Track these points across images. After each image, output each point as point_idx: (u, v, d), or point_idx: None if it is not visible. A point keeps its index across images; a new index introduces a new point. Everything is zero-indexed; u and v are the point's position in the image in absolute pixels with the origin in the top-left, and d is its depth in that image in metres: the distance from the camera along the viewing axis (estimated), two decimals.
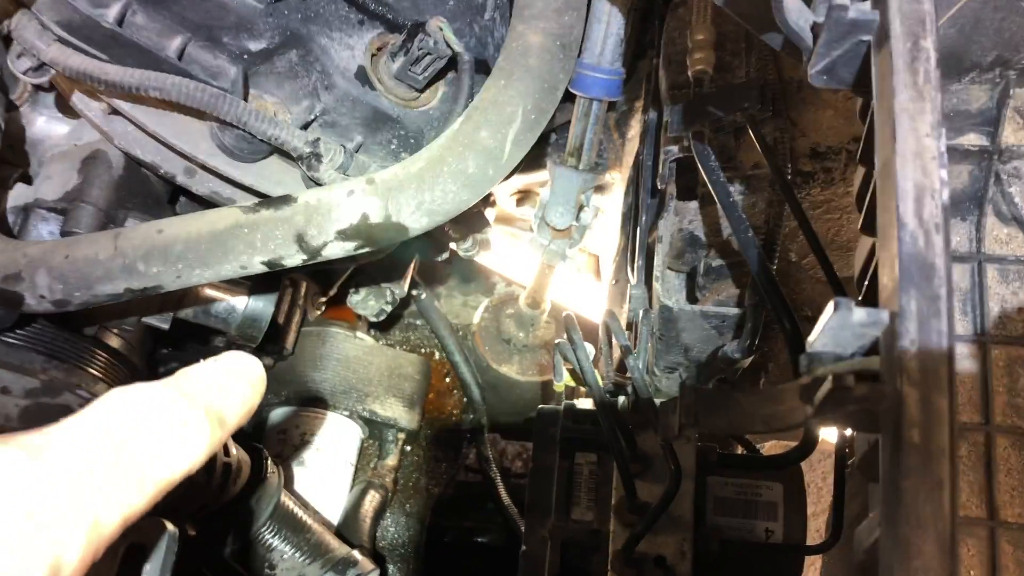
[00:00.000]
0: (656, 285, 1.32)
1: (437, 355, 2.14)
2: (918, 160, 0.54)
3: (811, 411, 0.55)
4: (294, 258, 0.92)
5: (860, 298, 0.75)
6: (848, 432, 1.17)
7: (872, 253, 0.69)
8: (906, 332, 0.50)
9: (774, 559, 1.16)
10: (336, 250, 0.92)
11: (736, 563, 1.16)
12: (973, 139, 0.82)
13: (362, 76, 1.05)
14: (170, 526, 0.64)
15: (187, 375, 0.55)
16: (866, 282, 0.64)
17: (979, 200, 0.81)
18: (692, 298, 1.36)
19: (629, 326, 1.41)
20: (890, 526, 0.48)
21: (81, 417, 0.51)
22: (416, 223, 0.90)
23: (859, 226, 0.69)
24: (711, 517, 1.18)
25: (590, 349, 1.20)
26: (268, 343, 1.75)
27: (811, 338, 0.56)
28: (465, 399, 2.11)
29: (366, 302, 1.54)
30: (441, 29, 1.00)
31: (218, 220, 0.91)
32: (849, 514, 1.16)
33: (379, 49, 1.08)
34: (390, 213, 0.89)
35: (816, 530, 1.34)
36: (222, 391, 0.55)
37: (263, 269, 0.93)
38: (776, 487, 1.20)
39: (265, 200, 0.93)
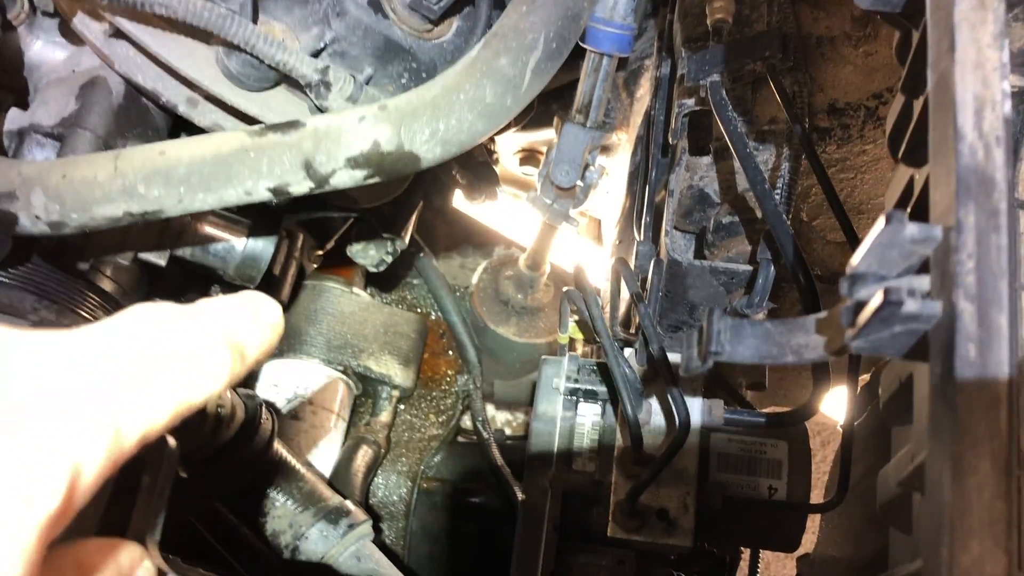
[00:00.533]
0: (665, 241, 1.29)
1: (434, 315, 2.11)
2: (979, 71, 0.51)
3: (853, 333, 0.52)
4: (301, 185, 0.89)
5: None
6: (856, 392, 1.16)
7: (910, 184, 0.66)
8: (963, 246, 0.47)
9: (777, 516, 1.14)
10: (345, 178, 0.89)
11: (738, 519, 1.15)
12: (1013, 80, 0.79)
13: (375, 4, 1.01)
14: (171, 440, 0.61)
15: (208, 304, 0.53)
16: (907, 210, 0.61)
17: (1016, 144, 0.78)
18: (700, 256, 1.33)
19: None
20: (940, 444, 0.45)
21: (110, 324, 0.48)
22: (430, 152, 0.87)
23: (898, 156, 0.66)
24: (715, 473, 1.16)
25: (598, 300, 1.17)
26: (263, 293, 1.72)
27: (854, 259, 0.54)
28: (461, 360, 2.08)
29: (366, 251, 1.51)
30: None
31: (223, 143, 0.88)
32: (853, 476, 1.15)
33: None
34: (403, 141, 0.86)
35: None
36: (242, 325, 0.53)
37: (268, 196, 0.90)
38: (781, 445, 1.18)
39: (273, 124, 0.89)
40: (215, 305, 0.53)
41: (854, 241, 1.16)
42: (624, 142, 1.89)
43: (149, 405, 0.47)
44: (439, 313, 2.10)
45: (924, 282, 0.50)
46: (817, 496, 1.24)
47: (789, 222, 1.24)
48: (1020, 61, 0.79)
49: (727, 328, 0.62)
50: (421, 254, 2.06)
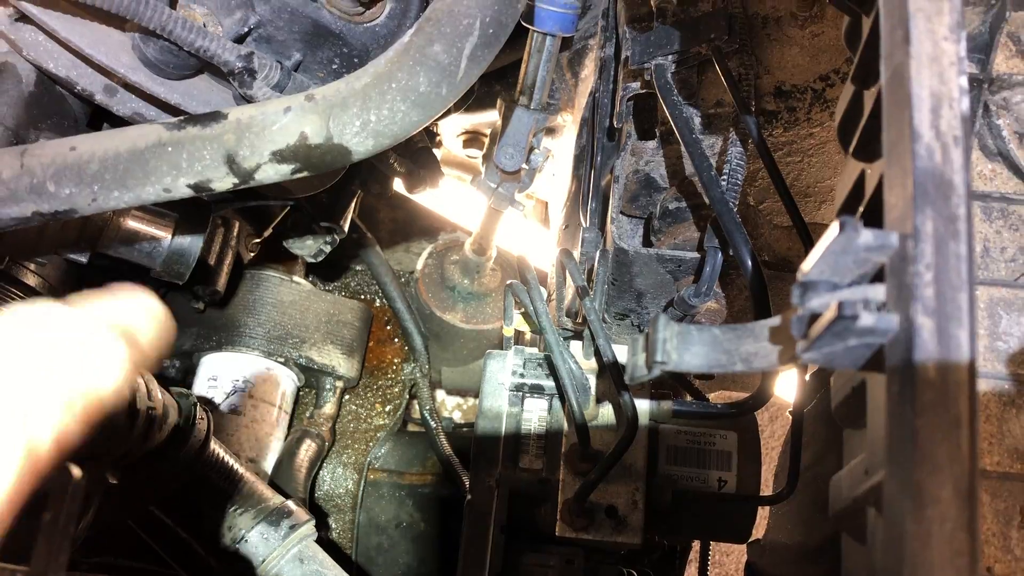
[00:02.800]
0: (611, 227, 1.26)
1: (378, 302, 2.06)
2: (935, 65, 0.48)
3: (805, 345, 0.49)
4: (224, 181, 0.83)
5: None
6: (807, 378, 1.14)
7: (861, 179, 0.64)
8: (921, 255, 0.44)
9: (727, 509, 1.13)
10: (270, 173, 0.84)
11: (688, 513, 1.13)
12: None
13: None
14: (75, 471, 0.56)
15: (87, 298, 0.50)
16: (860, 208, 0.58)
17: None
18: (647, 242, 1.31)
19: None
20: (899, 470, 0.43)
21: None
22: (361, 145, 0.82)
23: (849, 149, 0.63)
24: (664, 466, 1.14)
25: (543, 292, 1.13)
26: (199, 284, 1.66)
27: (806, 265, 0.51)
28: (407, 347, 2.04)
29: (303, 242, 1.45)
30: None
31: (139, 137, 0.82)
32: (802, 462, 1.14)
33: None
34: (332, 133, 0.81)
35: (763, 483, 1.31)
36: (127, 314, 0.50)
37: (189, 193, 0.84)
38: (730, 436, 1.17)
39: (192, 116, 0.84)
40: (93, 298, 0.52)
41: (802, 226, 1.14)
42: (569, 123, 1.86)
43: (54, 408, 0.43)
44: (384, 300, 2.05)
45: (879, 292, 0.48)
46: (767, 477, 1.23)
47: (736, 209, 1.22)
48: (969, 47, 0.77)
49: (673, 336, 0.59)
50: (363, 240, 2.01)
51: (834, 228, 0.47)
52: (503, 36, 0.84)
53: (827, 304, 0.49)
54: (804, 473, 1.13)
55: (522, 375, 1.13)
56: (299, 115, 0.81)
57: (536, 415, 1.12)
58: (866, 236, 0.46)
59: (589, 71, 1.76)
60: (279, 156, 0.82)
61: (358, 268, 2.06)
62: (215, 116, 0.83)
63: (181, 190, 0.83)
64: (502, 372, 1.14)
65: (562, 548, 1.06)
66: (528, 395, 1.14)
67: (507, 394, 1.13)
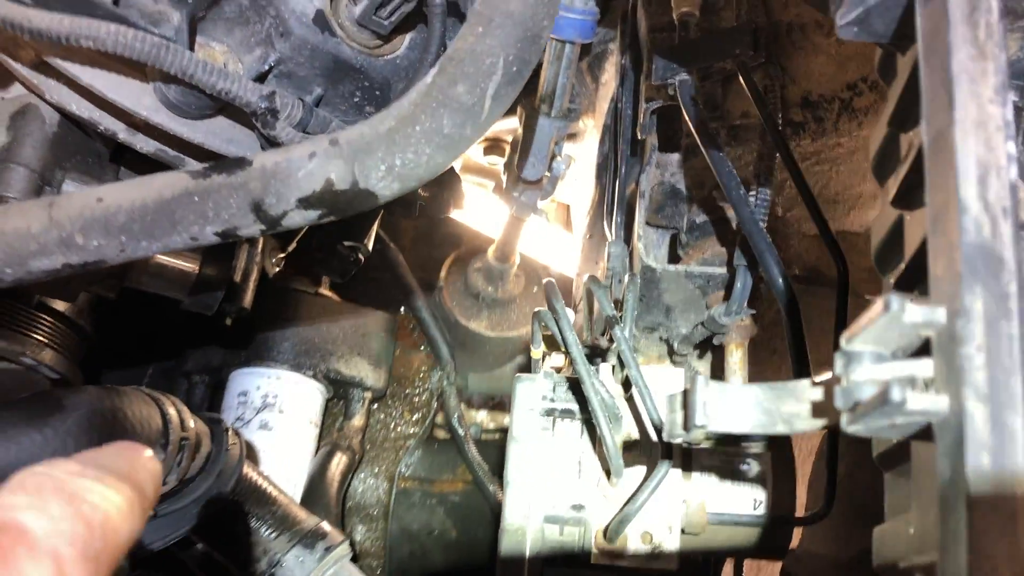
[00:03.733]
0: (637, 243, 1.25)
1: (403, 311, 2.05)
2: (981, 131, 0.46)
3: (850, 419, 0.48)
4: (251, 228, 0.83)
5: (885, 277, 0.68)
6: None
7: (899, 226, 0.62)
8: (971, 337, 0.43)
9: (762, 530, 1.12)
10: (297, 219, 0.83)
11: (724, 536, 1.12)
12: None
13: (321, 21, 0.94)
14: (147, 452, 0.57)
15: (93, 452, 0.51)
16: (902, 265, 0.57)
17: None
18: (674, 256, 1.29)
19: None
20: (954, 559, 0.42)
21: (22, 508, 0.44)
22: (386, 189, 0.81)
23: (890, 200, 0.61)
24: (697, 488, 1.13)
25: (570, 314, 1.12)
26: (225, 302, 1.66)
27: (849, 334, 0.49)
28: (433, 355, 2.04)
29: (329, 263, 1.45)
30: None
31: (164, 187, 0.82)
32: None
33: None
34: (357, 178, 0.80)
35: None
36: (131, 463, 0.51)
37: (216, 240, 0.84)
38: (764, 455, 1.15)
39: (216, 164, 0.83)
40: (92, 452, 0.51)
41: (829, 238, 1.12)
42: (591, 128, 1.84)
43: (82, 557, 0.43)
44: (408, 309, 2.05)
45: (927, 368, 0.46)
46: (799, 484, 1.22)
47: (765, 225, 1.20)
48: (1013, 72, 0.75)
49: (713, 397, 0.58)
50: (386, 249, 2.01)
51: (880, 304, 0.46)
52: (526, 73, 0.83)
53: (871, 376, 0.48)
54: (838, 485, 1.12)
55: (552, 399, 1.12)
56: (324, 161, 0.80)
57: (568, 439, 1.12)
58: (913, 313, 0.45)
59: (610, 76, 1.74)
60: (306, 203, 0.81)
61: (382, 278, 2.06)
62: (240, 163, 0.82)
63: (208, 238, 0.83)
64: (532, 397, 1.13)
65: (598, 573, 1.06)
66: (559, 419, 1.13)
67: (538, 419, 1.12)
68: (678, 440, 0.60)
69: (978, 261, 0.44)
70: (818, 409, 0.54)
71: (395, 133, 0.80)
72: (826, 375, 0.54)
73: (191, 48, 0.93)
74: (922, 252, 0.54)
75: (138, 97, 0.95)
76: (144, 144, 1.02)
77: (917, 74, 0.56)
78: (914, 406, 0.44)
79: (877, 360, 0.49)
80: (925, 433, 0.48)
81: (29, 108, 1.04)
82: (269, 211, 0.82)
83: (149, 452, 0.53)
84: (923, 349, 0.49)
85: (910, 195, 0.60)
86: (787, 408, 0.56)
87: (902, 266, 0.57)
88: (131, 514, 0.47)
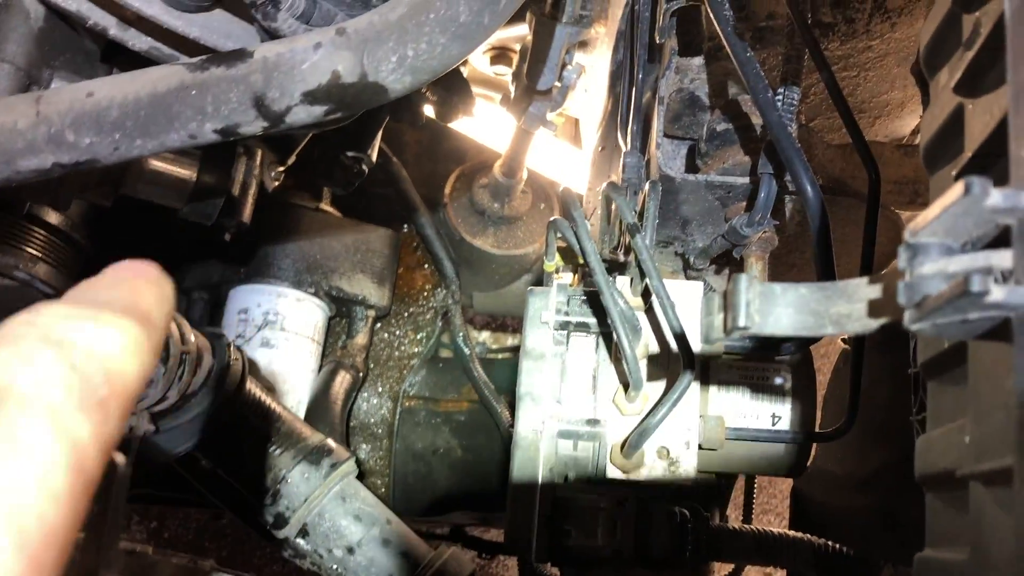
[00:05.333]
0: (655, 152, 1.20)
1: (406, 228, 2.00)
2: None
3: (916, 315, 0.44)
4: (253, 125, 0.78)
5: (934, 173, 0.64)
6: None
7: (959, 114, 0.57)
8: None
9: (781, 445, 1.10)
10: (302, 115, 0.78)
11: (742, 451, 1.10)
12: None
13: None
14: (119, 458, 0.52)
15: (88, 284, 0.44)
16: (965, 154, 0.52)
17: None
18: (693, 167, 1.24)
19: None
20: None
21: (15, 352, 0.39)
22: (398, 82, 0.76)
23: (947, 84, 0.56)
24: (715, 403, 1.10)
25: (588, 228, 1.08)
26: (224, 216, 1.61)
27: (916, 224, 0.45)
28: (437, 273, 2.00)
29: (331, 173, 1.39)
30: None
31: (160, 81, 0.76)
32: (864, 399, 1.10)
33: None
34: (366, 70, 0.75)
35: None
36: (133, 292, 0.44)
37: (216, 138, 0.79)
38: (784, 370, 1.12)
39: (215, 55, 0.78)
40: (93, 283, 0.45)
41: (861, 144, 1.07)
42: (603, 36, 1.76)
43: (81, 404, 0.38)
44: (412, 225, 2.00)
45: (1006, 259, 0.42)
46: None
47: (794, 132, 1.15)
48: None
49: (756, 297, 0.54)
50: (389, 164, 1.95)
51: (958, 188, 0.42)
52: None
53: (941, 270, 0.44)
54: (866, 410, 1.09)
55: (567, 313, 1.08)
56: (330, 52, 0.75)
57: (582, 354, 1.08)
58: (995, 197, 0.41)
59: None
60: (311, 97, 0.76)
61: (385, 193, 2.00)
62: (240, 55, 0.76)
63: (207, 136, 0.78)
64: (545, 310, 1.09)
65: (614, 489, 1.04)
66: (573, 333, 1.10)
67: (552, 333, 1.09)
68: (715, 344, 0.56)
69: None
70: (874, 307, 0.50)
71: (407, 21, 0.74)
72: (884, 273, 0.49)
73: None
74: (993, 139, 0.49)
75: None
76: (137, 40, 0.95)
77: None
78: (996, 297, 0.40)
79: (946, 252, 0.45)
80: (995, 332, 0.44)
81: (10, 2, 0.97)
82: (272, 106, 0.76)
83: (154, 269, 0.47)
84: (998, 240, 0.44)
85: (976, 80, 0.54)
86: (837, 308, 0.52)
87: (967, 156, 0.52)
88: (137, 351, 0.42)
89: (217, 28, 0.93)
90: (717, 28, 1.03)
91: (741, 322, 0.53)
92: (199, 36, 0.91)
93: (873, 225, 0.97)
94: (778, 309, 0.54)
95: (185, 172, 1.11)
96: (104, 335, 0.41)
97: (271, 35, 0.88)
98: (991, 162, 0.51)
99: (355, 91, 0.76)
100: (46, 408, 0.36)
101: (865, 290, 0.51)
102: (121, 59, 1.06)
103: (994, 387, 0.49)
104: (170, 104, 0.75)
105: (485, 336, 2.24)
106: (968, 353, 0.54)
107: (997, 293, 0.40)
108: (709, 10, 1.07)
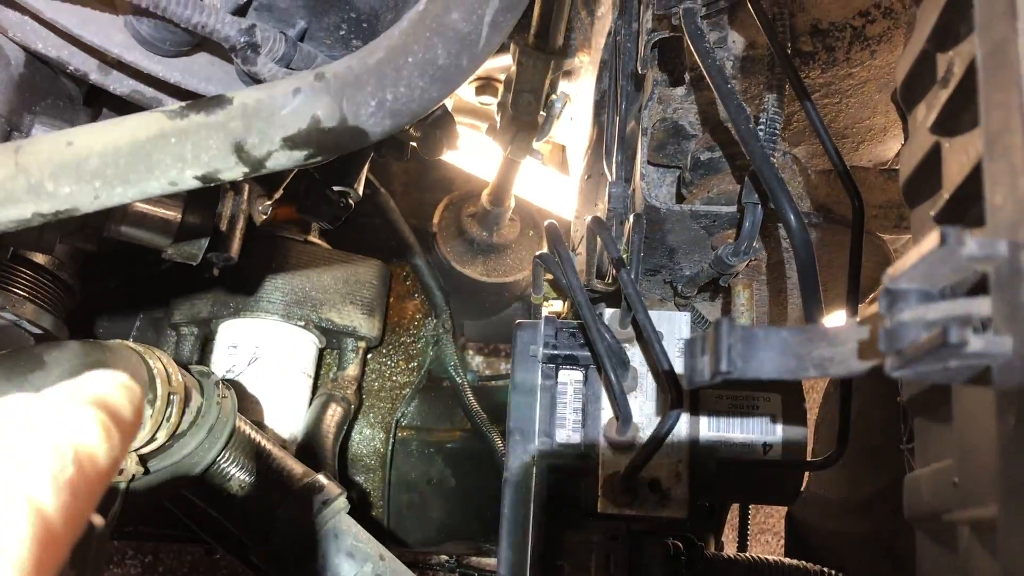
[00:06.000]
0: (639, 183, 1.20)
1: (396, 258, 2.00)
2: None
3: (897, 362, 0.44)
4: (233, 171, 0.78)
5: (915, 209, 0.64)
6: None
7: (936, 153, 0.57)
8: None
9: (773, 474, 1.09)
10: (283, 160, 0.78)
11: (733, 481, 1.09)
12: None
13: None
14: (97, 519, 0.52)
15: (65, 383, 0.48)
16: (944, 195, 0.52)
17: None
18: (679, 196, 1.24)
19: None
20: (1021, 516, 0.38)
21: None
22: (378, 126, 0.76)
23: (928, 125, 0.56)
24: (706, 434, 1.09)
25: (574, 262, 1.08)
26: (211, 251, 1.61)
27: (895, 271, 0.45)
28: (427, 303, 1.99)
29: (318, 209, 1.39)
30: None
31: (139, 128, 0.76)
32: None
33: None
34: (346, 115, 0.75)
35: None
36: (103, 388, 0.48)
37: (197, 184, 0.78)
38: (774, 398, 1.12)
39: (195, 102, 0.77)
40: (64, 384, 0.48)
41: (844, 172, 1.07)
42: (587, 65, 1.77)
43: (52, 484, 0.40)
44: (401, 256, 2.00)
45: (984, 307, 0.42)
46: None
47: (776, 161, 1.15)
48: None
49: (738, 341, 0.54)
50: (377, 195, 1.95)
51: (934, 236, 0.42)
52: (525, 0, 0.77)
53: (920, 317, 0.44)
54: (857, 438, 1.09)
55: (555, 346, 1.08)
56: (310, 97, 0.75)
57: (571, 387, 1.08)
58: (971, 247, 0.41)
59: (606, 8, 1.67)
60: (291, 142, 0.76)
61: (373, 224, 2.00)
62: (219, 101, 0.76)
63: (188, 182, 0.78)
64: (533, 344, 1.09)
65: (605, 523, 1.03)
66: (562, 366, 1.09)
67: (540, 366, 1.09)
68: (700, 385, 0.56)
69: None
70: (857, 351, 0.49)
71: (386, 65, 0.75)
72: (865, 315, 0.49)
73: None
74: (971, 181, 0.49)
75: (108, 34, 0.88)
76: (118, 85, 0.95)
77: None
78: (975, 348, 0.40)
79: (925, 299, 0.44)
80: (979, 379, 0.44)
81: None
82: (252, 152, 0.76)
83: (123, 375, 0.49)
84: (977, 287, 0.44)
85: (951, 120, 0.55)
86: (820, 352, 0.52)
87: (944, 196, 0.52)
88: (107, 438, 0.44)
89: (197, 72, 0.94)
90: (697, 60, 1.03)
91: (723, 367, 0.53)
92: (179, 80, 0.91)
93: (858, 254, 0.97)
94: (761, 353, 0.54)
95: (169, 213, 1.11)
96: (75, 421, 0.43)
97: (251, 78, 0.88)
98: (969, 203, 0.51)
99: (335, 136, 0.76)
100: (18, 490, 0.38)
101: (847, 334, 0.51)
102: (103, 102, 1.06)
103: (979, 429, 0.49)
104: (150, 152, 0.75)
105: (478, 362, 2.24)
106: (952, 392, 0.54)
107: (976, 343, 0.40)
108: (689, 43, 1.08)
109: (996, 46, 0.44)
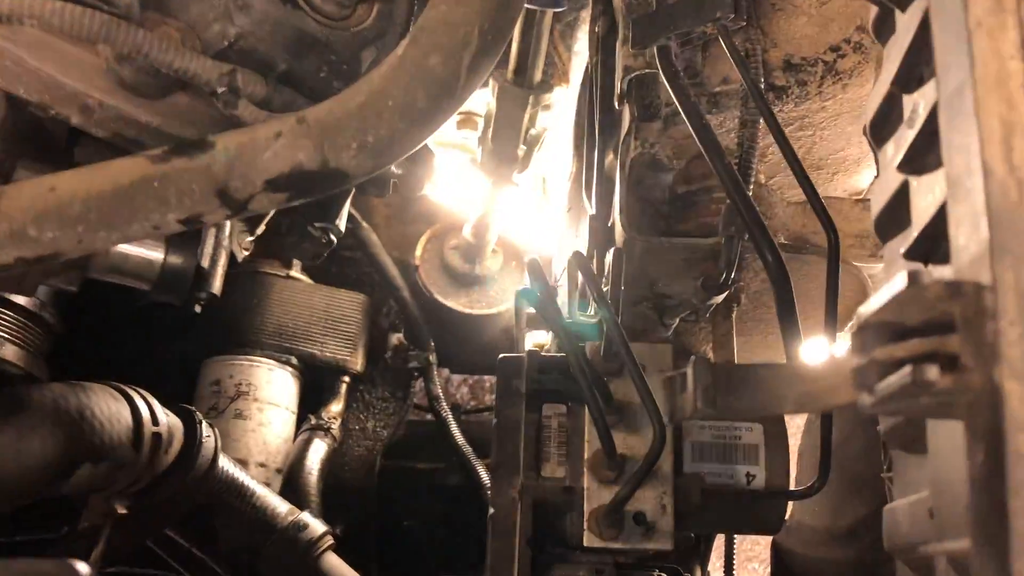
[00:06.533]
0: (618, 217, 1.21)
1: (379, 291, 2.01)
2: (1002, 88, 0.43)
3: (871, 400, 0.45)
4: (216, 214, 0.78)
5: (887, 243, 0.65)
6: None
7: (905, 191, 0.59)
8: (1004, 311, 0.40)
9: (757, 504, 1.10)
10: (265, 202, 0.79)
11: (718, 511, 1.10)
12: None
13: None
14: (82, 568, 0.52)
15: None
16: (912, 233, 0.54)
17: None
18: (657, 228, 1.26)
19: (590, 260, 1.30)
20: (993, 552, 0.39)
21: None
22: (358, 168, 0.77)
23: (895, 163, 0.58)
24: (690, 465, 1.10)
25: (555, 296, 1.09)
26: (194, 289, 1.61)
27: (865, 310, 0.46)
28: (411, 336, 1.99)
29: (299, 246, 1.40)
30: None
31: (122, 173, 0.77)
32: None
33: None
34: (327, 157, 0.76)
35: None
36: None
37: (180, 228, 0.79)
38: (756, 428, 1.13)
39: (177, 146, 0.78)
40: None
41: (818, 205, 1.09)
42: (565, 99, 1.79)
43: None
44: (384, 288, 2.00)
45: (952, 344, 0.43)
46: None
47: (751, 192, 1.17)
48: None
49: (715, 379, 0.55)
50: (359, 229, 1.95)
51: (901, 278, 0.43)
52: (502, 43, 0.79)
53: (890, 355, 0.45)
54: (843, 460, 1.10)
55: (538, 380, 1.09)
56: (292, 140, 0.76)
57: (555, 421, 1.09)
58: (937, 288, 0.42)
59: (583, 45, 1.69)
60: (273, 185, 0.77)
61: (356, 258, 2.01)
62: (201, 145, 0.77)
63: (171, 226, 0.78)
64: (517, 378, 1.09)
65: (591, 557, 1.03)
66: (546, 399, 1.10)
67: (524, 400, 1.09)
68: (680, 421, 0.57)
69: (1007, 229, 0.41)
70: (831, 389, 0.51)
71: (366, 109, 0.76)
72: (838, 352, 0.50)
73: (144, 24, 0.88)
74: (938, 220, 0.51)
75: (90, 78, 0.89)
76: (100, 128, 0.96)
77: (925, 30, 0.53)
78: (943, 385, 0.41)
79: (896, 337, 0.46)
80: (948, 412, 0.45)
81: None
82: (234, 195, 0.77)
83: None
84: (946, 324, 0.45)
85: (918, 159, 0.56)
86: (796, 389, 0.53)
87: (913, 235, 0.53)
88: None
89: (179, 115, 0.94)
90: (672, 97, 1.05)
91: (701, 405, 0.54)
92: (161, 124, 0.92)
93: (834, 286, 0.98)
94: (737, 391, 0.55)
95: (152, 254, 1.11)
96: None
97: (233, 122, 0.89)
98: (939, 240, 0.52)
99: (317, 178, 0.77)
100: None
101: (822, 372, 0.52)
102: (85, 144, 1.06)
103: (952, 463, 0.50)
104: (133, 196, 0.76)
105: (463, 393, 2.24)
106: (927, 427, 0.55)
107: (944, 381, 0.41)
108: (664, 80, 1.10)
109: (955, 92, 0.45)
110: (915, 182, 0.57)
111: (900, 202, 0.60)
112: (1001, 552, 0.38)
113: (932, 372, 0.41)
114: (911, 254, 0.55)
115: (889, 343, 0.46)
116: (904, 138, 0.57)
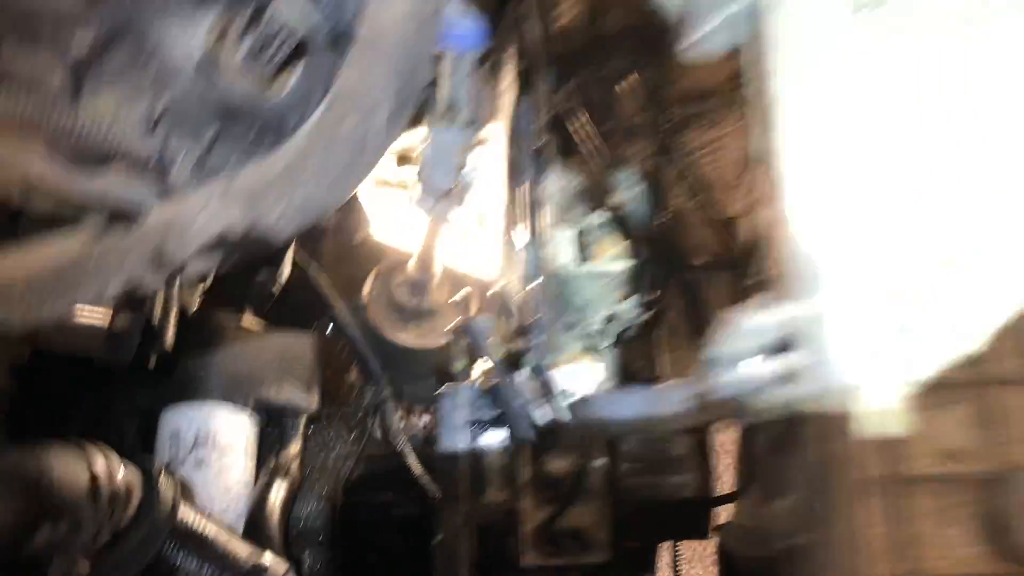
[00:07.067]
0: (547, 247, 1.29)
1: (329, 331, 2.05)
2: None
3: (727, 412, 0.52)
4: (155, 279, 0.84)
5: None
6: None
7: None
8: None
9: (686, 512, 1.17)
10: (201, 265, 0.84)
11: (651, 520, 1.16)
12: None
13: (205, 66, 0.95)
14: None
15: None
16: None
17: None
18: (583, 255, 1.33)
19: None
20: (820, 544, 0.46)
21: None
22: (284, 230, 0.83)
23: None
24: (623, 478, 1.17)
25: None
26: (145, 344, 1.64)
27: (714, 340, 0.53)
28: (364, 373, 2.04)
29: (244, 298, 1.45)
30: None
31: (62, 252, 0.82)
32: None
33: (223, 32, 0.98)
34: (253, 223, 0.82)
35: None
36: None
37: (122, 295, 0.84)
38: (685, 439, 1.20)
39: (112, 221, 0.84)
40: None
41: (727, 223, 1.16)
42: (496, 134, 1.86)
43: None
44: (335, 328, 2.04)
45: (790, 361, 0.50)
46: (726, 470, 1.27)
47: (668, 211, 1.24)
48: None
49: (599, 402, 0.61)
50: (307, 271, 2.00)
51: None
52: (415, 99, 0.85)
53: (739, 375, 0.52)
54: (757, 465, 1.17)
55: (478, 409, 1.15)
56: (218, 209, 0.81)
57: (495, 448, 1.15)
58: (767, 317, 0.49)
59: (508, 83, 1.77)
60: (207, 250, 0.82)
61: (305, 299, 2.05)
62: (136, 219, 0.83)
63: (112, 295, 0.83)
64: (458, 408, 1.16)
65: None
66: (486, 427, 1.16)
67: (466, 429, 1.15)
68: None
69: None
70: (697, 408, 0.57)
71: (290, 171, 0.82)
72: (696, 377, 0.57)
73: (77, 102, 0.93)
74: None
75: (28, 156, 0.94)
76: (39, 204, 1.01)
77: None
78: (788, 395, 0.48)
79: (744, 360, 0.53)
80: (798, 420, 0.52)
81: None
82: (171, 260, 0.83)
83: None
84: (785, 345, 0.53)
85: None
86: (666, 407, 0.60)
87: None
88: None
89: (117, 184, 0.99)
90: (582, 134, 1.13)
91: (573, 424, 0.60)
92: (101, 195, 0.97)
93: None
94: (616, 411, 0.61)
95: (97, 319, 1.15)
96: None
97: (168, 190, 0.95)
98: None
99: (247, 241, 0.82)
100: None
101: (686, 393, 0.59)
102: (26, 220, 1.11)
103: (804, 465, 0.57)
104: (74, 274, 0.81)
105: (425, 421, 2.27)
106: (789, 435, 0.62)
107: (784, 394, 0.48)
108: (577, 115, 1.17)
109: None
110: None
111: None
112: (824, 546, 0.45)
113: (775, 387, 0.47)
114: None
115: (737, 365, 0.52)
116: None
